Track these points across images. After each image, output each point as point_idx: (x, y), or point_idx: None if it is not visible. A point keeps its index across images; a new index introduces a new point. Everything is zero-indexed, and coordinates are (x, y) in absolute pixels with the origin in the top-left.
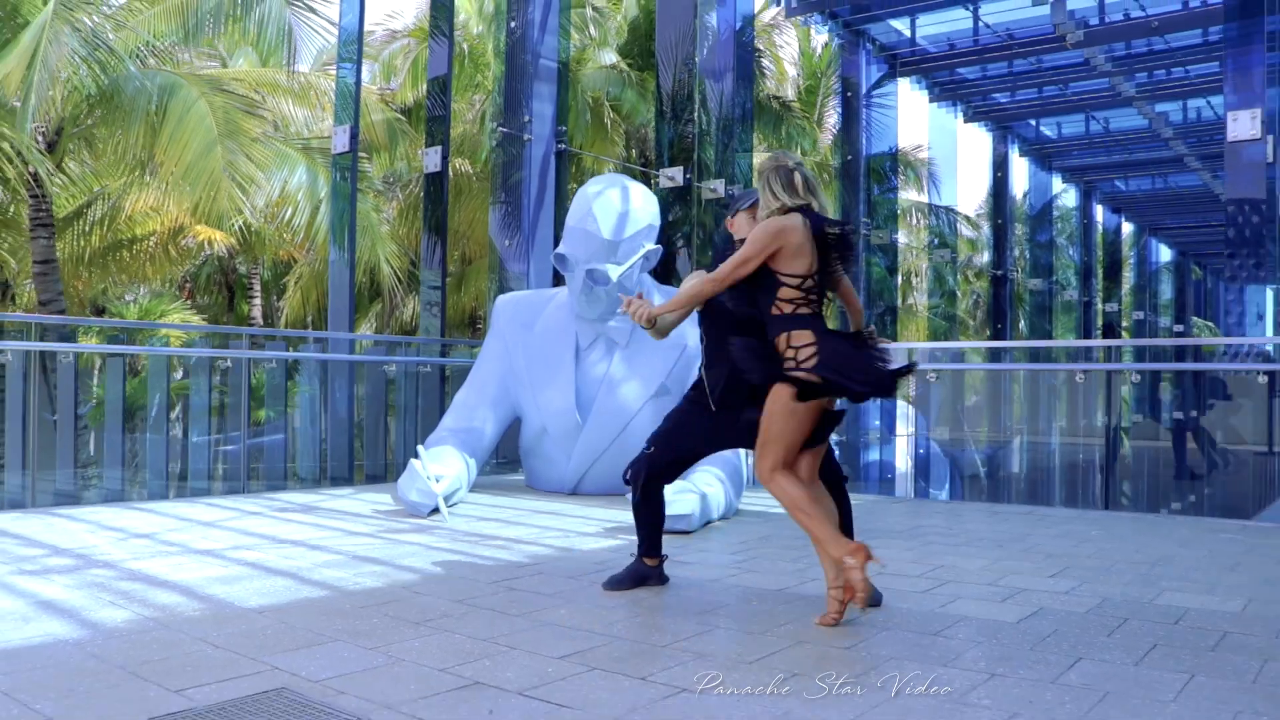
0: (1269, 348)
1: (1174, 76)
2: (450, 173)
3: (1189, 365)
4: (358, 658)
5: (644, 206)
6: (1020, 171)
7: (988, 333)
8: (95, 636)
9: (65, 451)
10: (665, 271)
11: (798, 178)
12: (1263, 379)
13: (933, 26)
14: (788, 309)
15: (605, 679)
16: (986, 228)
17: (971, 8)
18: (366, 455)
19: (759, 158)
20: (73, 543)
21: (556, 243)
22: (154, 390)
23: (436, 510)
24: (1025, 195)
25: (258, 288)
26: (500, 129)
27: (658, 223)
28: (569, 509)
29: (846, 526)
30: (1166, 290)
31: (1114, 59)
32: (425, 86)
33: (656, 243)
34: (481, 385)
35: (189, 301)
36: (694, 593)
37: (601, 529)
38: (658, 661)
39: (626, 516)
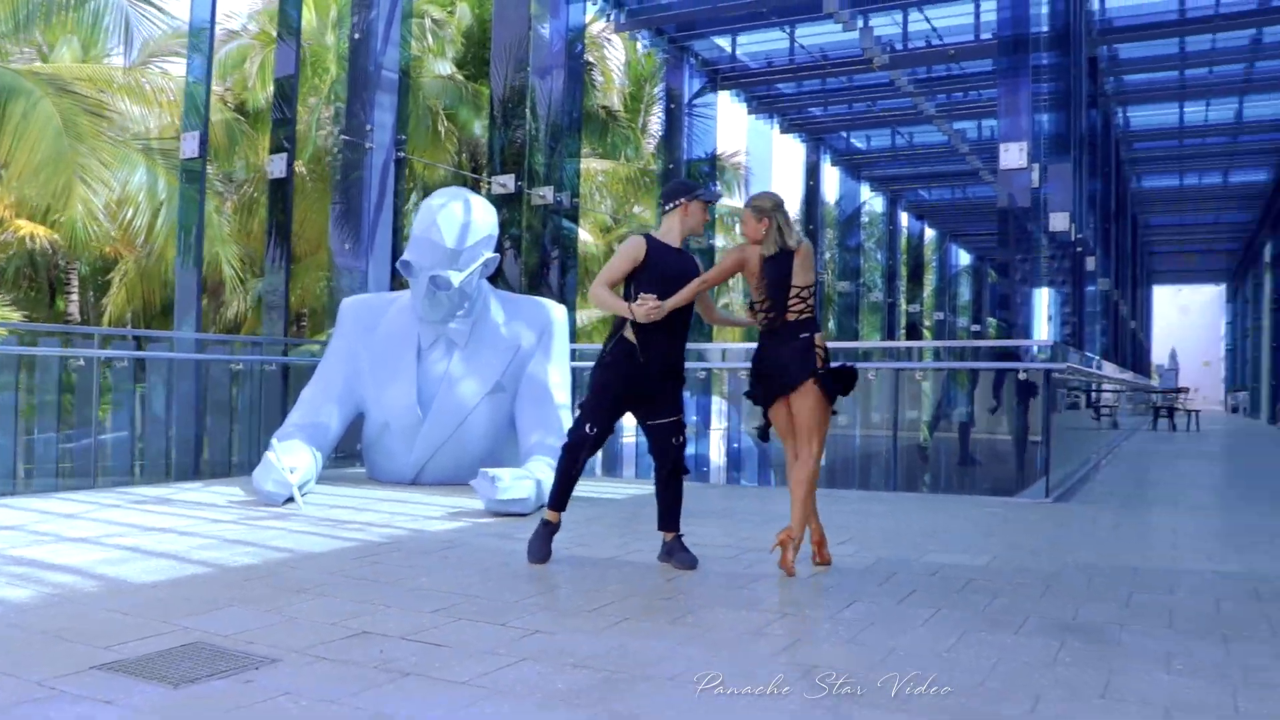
0: (1035, 348)
1: (969, 99)
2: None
3: (959, 365)
4: (254, 618)
5: (484, 217)
6: (831, 180)
7: None
8: (7, 612)
9: None
10: (494, 274)
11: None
12: (1023, 375)
13: (753, 45)
14: (809, 314)
15: (471, 626)
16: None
17: (788, 29)
18: (211, 451)
19: (590, 163)
20: None
21: (395, 247)
22: None
23: (290, 499)
24: (836, 202)
25: (75, 284)
26: (343, 136)
27: (496, 232)
28: (413, 497)
29: (674, 515)
30: (965, 292)
31: (915, 81)
32: (267, 89)
33: (494, 251)
34: (327, 383)
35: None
36: (536, 564)
37: (445, 513)
38: (511, 612)
39: (467, 502)
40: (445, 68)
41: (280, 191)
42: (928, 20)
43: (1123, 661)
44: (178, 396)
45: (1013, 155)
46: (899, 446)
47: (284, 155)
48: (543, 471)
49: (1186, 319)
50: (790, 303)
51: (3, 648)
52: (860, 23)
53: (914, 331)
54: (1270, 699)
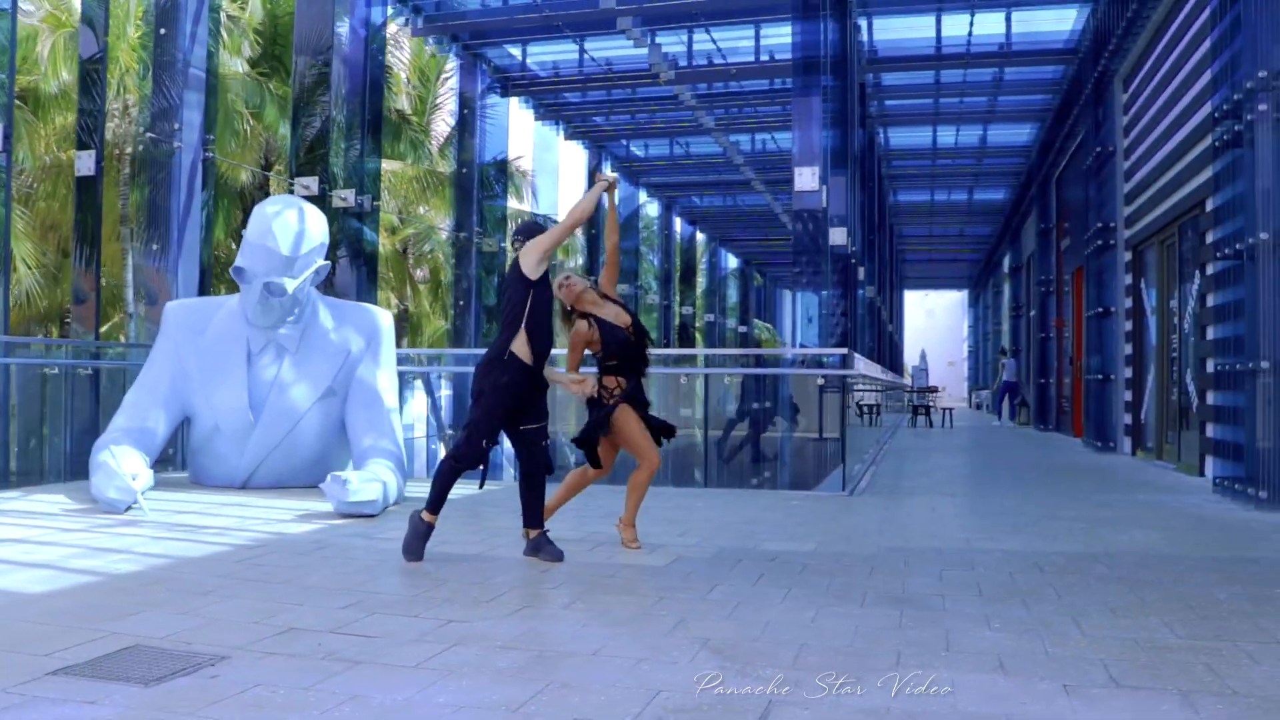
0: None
1: (745, 114)
2: (37, 163)
3: (768, 370)
4: (175, 621)
5: (317, 226)
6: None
7: None
8: None
9: None
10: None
11: None
12: (821, 380)
13: (543, 55)
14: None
15: (389, 619)
16: (580, 235)
17: (578, 41)
18: (18, 459)
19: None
20: None
21: (204, 248)
22: None
23: (133, 506)
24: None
25: None
26: (149, 135)
27: (328, 240)
28: (253, 500)
29: (539, 512)
30: (733, 294)
31: (698, 95)
32: (60, 75)
33: (324, 259)
34: (153, 386)
35: None
36: (413, 562)
37: (294, 516)
38: (418, 605)
39: (309, 505)
40: (241, 64)
41: (89, 190)
42: (713, 40)
43: (953, 623)
44: None
45: (806, 179)
46: (708, 446)
47: (92, 153)
48: (387, 475)
49: (933, 321)
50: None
51: None
52: (649, 39)
53: (685, 332)
54: (1067, 643)
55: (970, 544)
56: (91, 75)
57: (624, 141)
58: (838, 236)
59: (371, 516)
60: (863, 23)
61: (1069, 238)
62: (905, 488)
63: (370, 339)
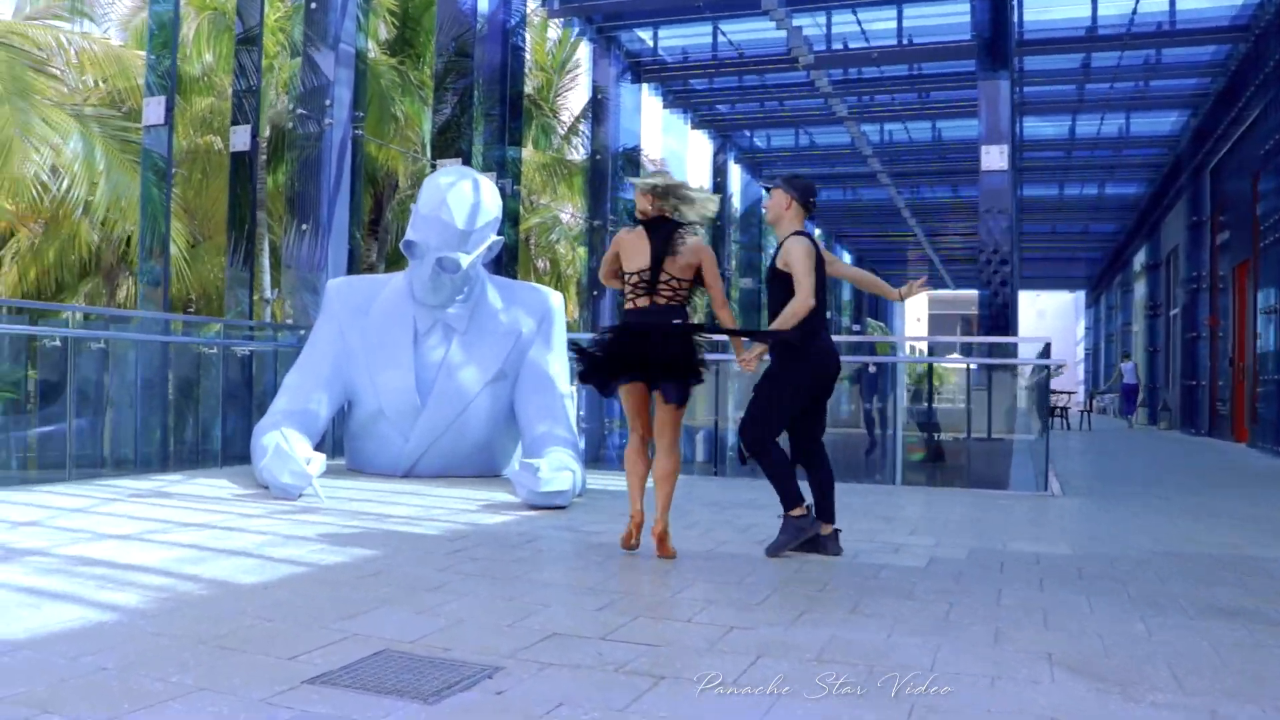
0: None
1: (877, 101)
2: (177, 146)
3: (994, 361)
4: (416, 622)
5: (492, 200)
6: (734, 177)
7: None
8: (133, 619)
9: None
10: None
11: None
12: (1054, 370)
13: (674, 39)
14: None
15: (658, 623)
16: (704, 229)
17: (713, 23)
18: (177, 439)
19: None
20: None
21: (353, 228)
22: None
23: (306, 492)
24: (736, 199)
25: None
26: (298, 111)
27: (501, 215)
28: (425, 489)
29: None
30: (845, 292)
31: (833, 82)
32: (204, 57)
33: (499, 234)
34: (314, 367)
35: None
36: (652, 557)
37: (480, 506)
38: (680, 607)
39: (490, 495)
40: (373, 51)
41: (244, 166)
42: (858, 21)
43: None
44: (142, 381)
45: (994, 158)
46: (894, 442)
47: (247, 127)
48: (572, 463)
49: (1042, 322)
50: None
51: (171, 658)
52: (791, 21)
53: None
54: None
55: (1239, 550)
56: (245, 53)
57: (747, 132)
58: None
59: (562, 508)
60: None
61: (1228, 231)
62: (1104, 490)
63: (542, 320)
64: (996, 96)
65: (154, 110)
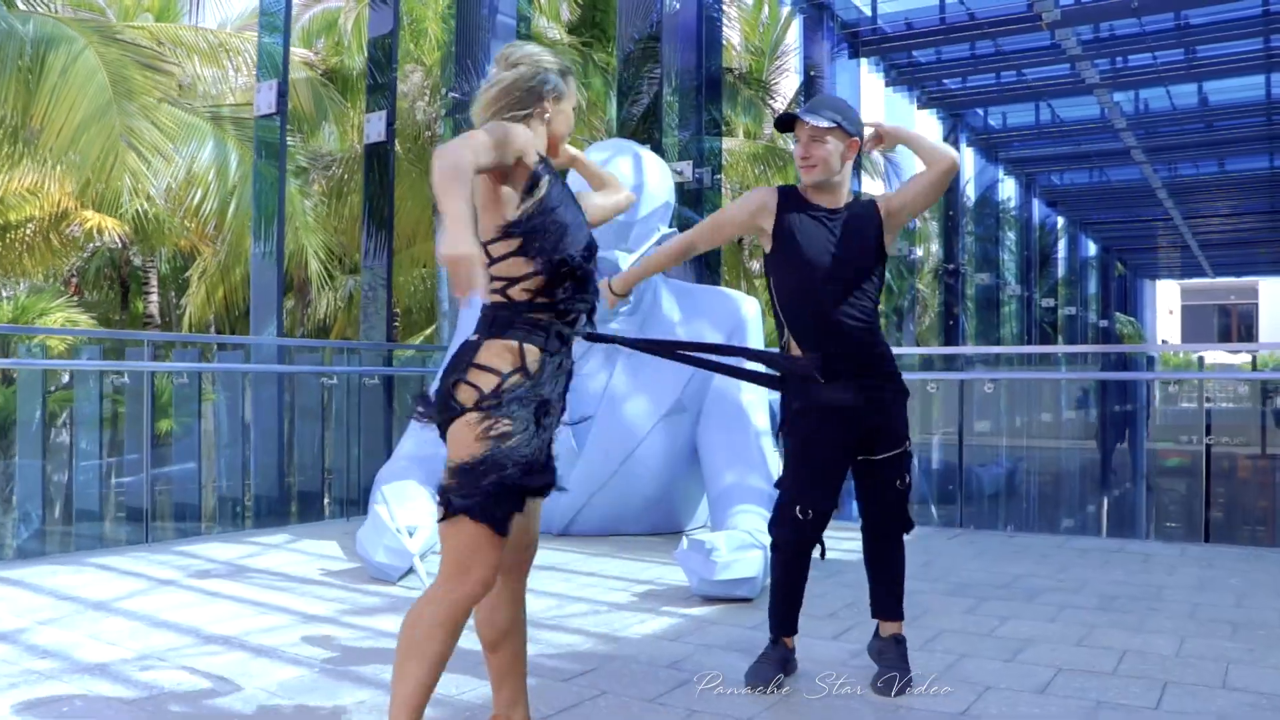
0: None
1: (1133, 64)
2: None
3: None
4: None
5: (660, 181)
6: (968, 162)
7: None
8: None
9: None
10: None
11: None
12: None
13: (892, 6)
14: None
15: None
16: (935, 221)
17: None
18: (298, 488)
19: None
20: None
21: None
22: (27, 409)
23: (410, 571)
24: (970, 186)
25: (155, 282)
26: (452, 95)
27: (674, 201)
28: (579, 559)
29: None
30: (1091, 285)
31: (1083, 42)
32: (361, 50)
33: (670, 226)
34: None
35: (76, 298)
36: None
37: (635, 595)
38: None
39: (650, 571)
40: (554, 32)
41: (380, 159)
42: None
43: None
44: (254, 417)
45: None
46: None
47: (382, 114)
48: (762, 534)
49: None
50: None
51: None
52: None
53: (1043, 329)
54: None
55: None
56: (380, 42)
57: (979, 110)
58: None
59: (748, 600)
60: None
61: None
62: None
63: (732, 334)
64: None
65: (265, 97)
